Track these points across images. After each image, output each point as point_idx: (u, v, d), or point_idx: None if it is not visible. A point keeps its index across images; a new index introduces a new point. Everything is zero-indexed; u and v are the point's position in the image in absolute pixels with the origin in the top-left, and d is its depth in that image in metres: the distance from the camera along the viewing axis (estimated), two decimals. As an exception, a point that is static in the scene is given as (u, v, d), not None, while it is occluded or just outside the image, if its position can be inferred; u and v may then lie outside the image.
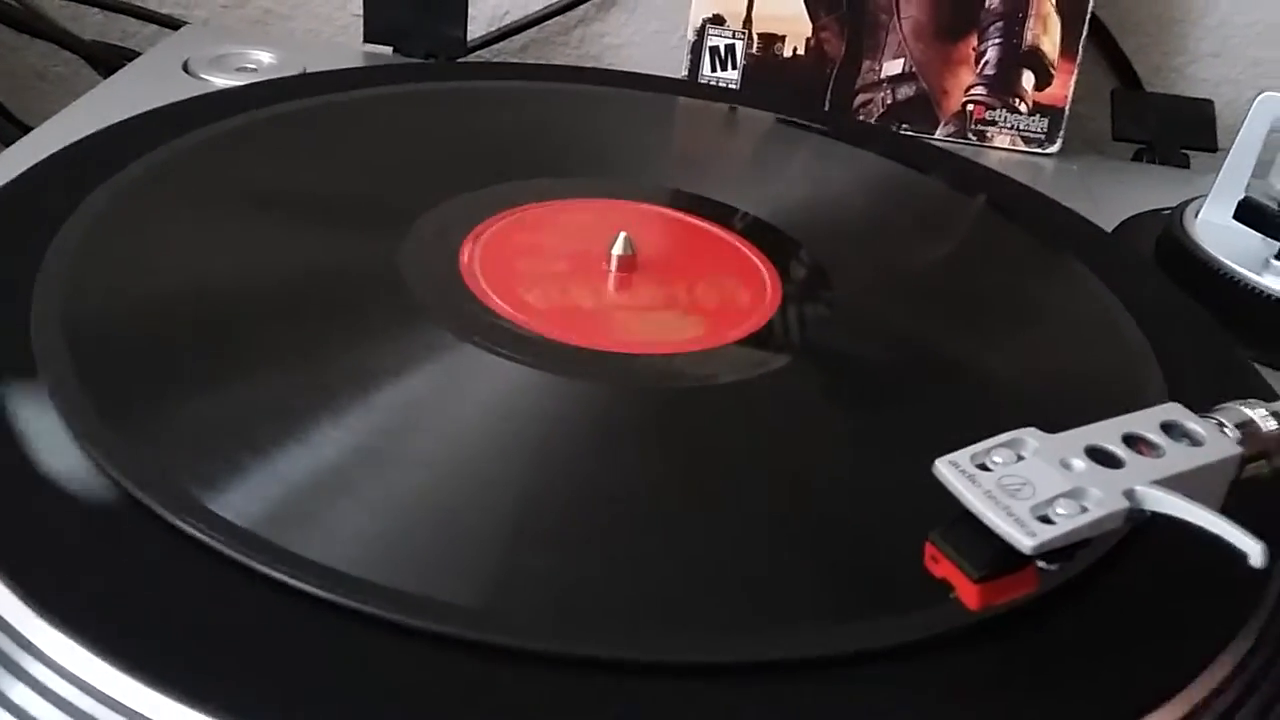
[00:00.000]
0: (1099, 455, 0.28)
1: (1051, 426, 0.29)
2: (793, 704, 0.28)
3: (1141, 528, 0.28)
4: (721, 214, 0.45)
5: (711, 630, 0.29)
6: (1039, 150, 0.61)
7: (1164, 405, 0.30)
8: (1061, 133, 0.61)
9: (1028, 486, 0.27)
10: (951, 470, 0.27)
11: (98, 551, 0.29)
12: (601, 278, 0.41)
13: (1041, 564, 0.27)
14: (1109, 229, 0.52)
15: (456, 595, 0.29)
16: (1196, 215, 0.51)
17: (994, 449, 0.28)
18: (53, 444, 0.31)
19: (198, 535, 0.29)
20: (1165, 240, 0.51)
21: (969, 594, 0.27)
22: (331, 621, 0.28)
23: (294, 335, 0.36)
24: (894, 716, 0.28)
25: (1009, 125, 0.61)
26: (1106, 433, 0.29)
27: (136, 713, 0.26)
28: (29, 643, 0.27)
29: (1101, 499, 0.27)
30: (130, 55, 0.64)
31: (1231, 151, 0.50)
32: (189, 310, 0.37)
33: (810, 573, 0.31)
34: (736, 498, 0.33)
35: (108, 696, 0.26)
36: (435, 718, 0.26)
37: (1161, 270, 0.49)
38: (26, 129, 0.58)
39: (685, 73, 0.62)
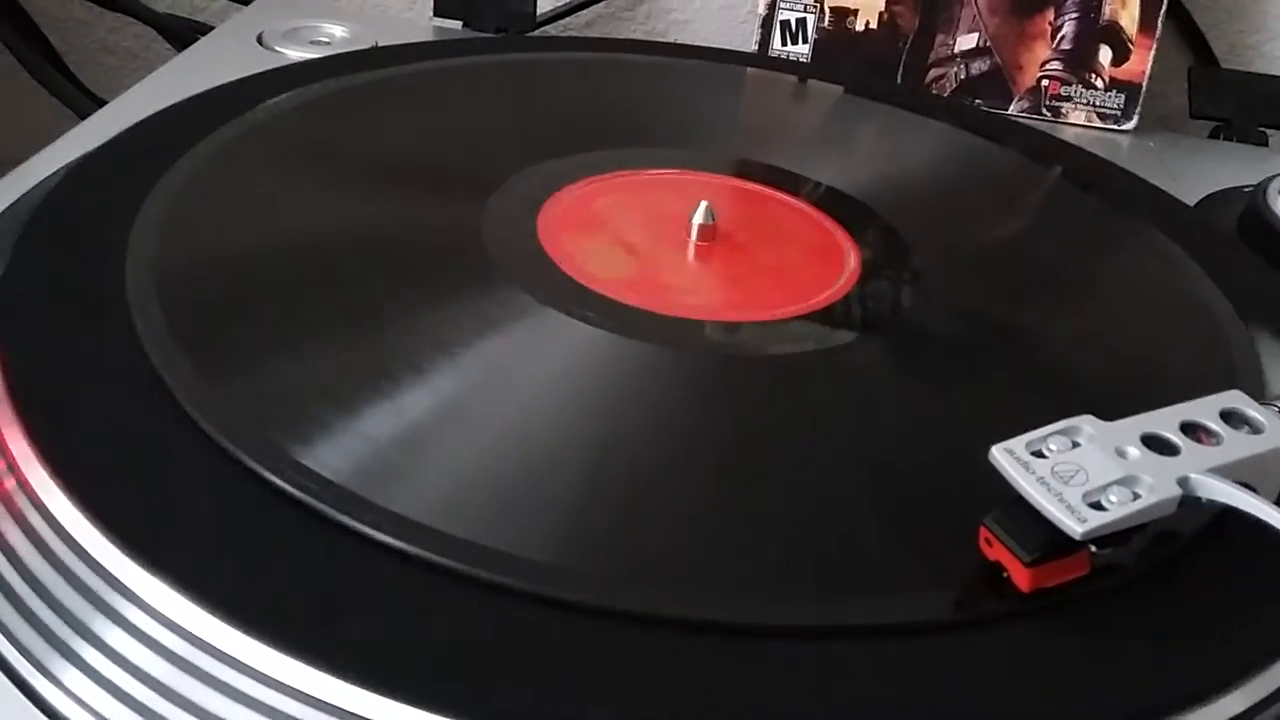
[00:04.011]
0: (1155, 443, 0.29)
1: (1141, 405, 0.29)
2: (854, 669, 0.28)
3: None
4: (798, 185, 0.45)
5: (771, 592, 0.29)
6: (1115, 127, 0.60)
7: (1225, 393, 0.30)
8: (1138, 109, 0.60)
9: (1081, 473, 0.27)
10: (1006, 457, 0.28)
11: (191, 502, 0.30)
12: (682, 246, 0.41)
13: (1094, 549, 0.27)
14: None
15: (533, 551, 0.29)
16: (1280, 192, 0.50)
17: (1050, 436, 0.29)
18: (147, 398, 0.32)
19: (287, 489, 0.30)
20: (1249, 216, 0.50)
21: (1021, 576, 0.28)
22: (414, 573, 0.28)
23: (378, 298, 0.37)
24: (945, 685, 0.28)
25: (1084, 101, 0.60)
26: (1164, 420, 0.29)
27: (228, 655, 0.27)
28: (125, 588, 0.28)
29: (1154, 486, 0.27)
30: (201, 28, 0.65)
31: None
32: (276, 272, 0.38)
33: (881, 543, 0.31)
34: (809, 466, 0.33)
35: (200, 639, 0.27)
36: (510, 668, 0.27)
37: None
38: (99, 102, 0.59)
39: (755, 47, 0.61)
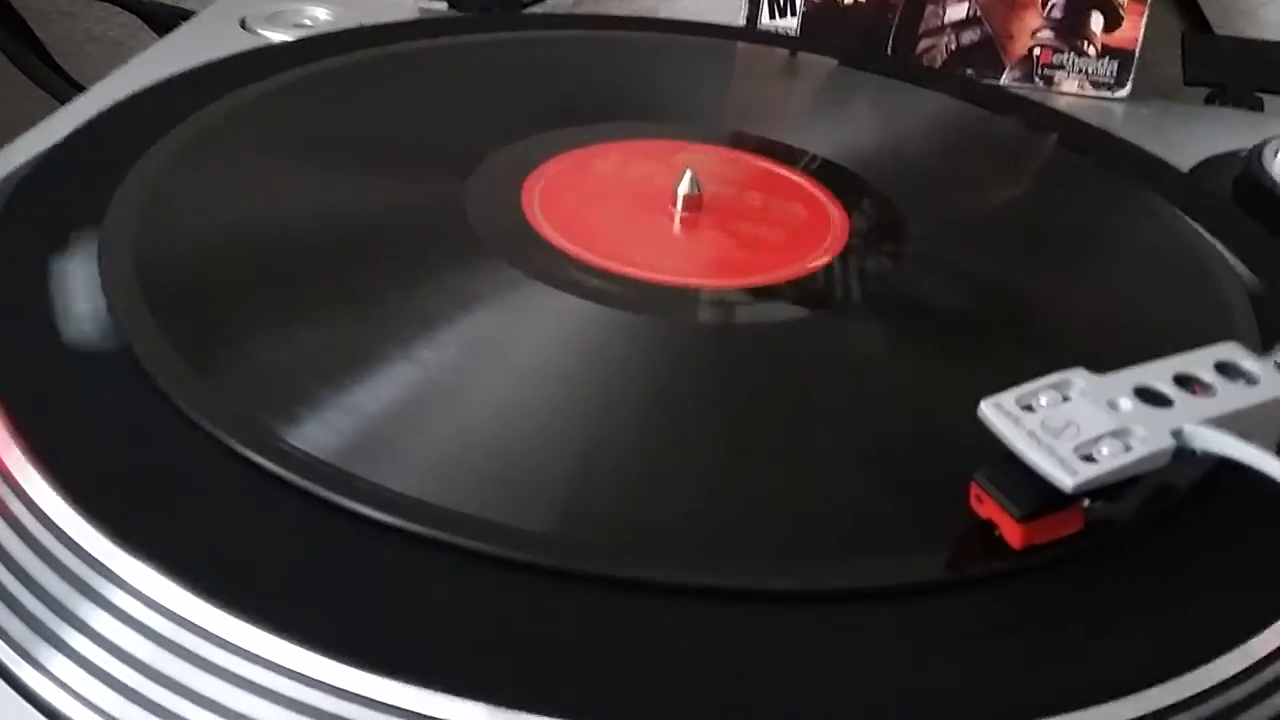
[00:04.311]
0: (1148, 395, 0.28)
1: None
2: (847, 632, 0.27)
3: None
4: (787, 155, 0.45)
5: (762, 557, 0.29)
6: (1108, 94, 0.60)
7: (1220, 344, 0.30)
8: (1132, 75, 0.59)
9: (1072, 427, 0.27)
10: (995, 412, 0.28)
11: (174, 482, 0.29)
12: (667, 217, 0.40)
13: (1086, 503, 0.27)
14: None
15: (528, 522, 0.29)
16: (1276, 155, 0.50)
17: (1040, 390, 0.28)
18: (127, 380, 0.32)
19: (273, 468, 0.29)
20: (1244, 180, 0.50)
21: (1012, 533, 0.27)
22: (404, 548, 0.28)
23: (363, 276, 0.37)
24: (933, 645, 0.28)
25: (1077, 69, 0.59)
26: (1157, 373, 0.29)
27: (216, 635, 0.26)
28: (109, 571, 0.27)
29: (1146, 438, 0.27)
30: (186, 15, 0.64)
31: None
32: (258, 253, 0.37)
33: (872, 504, 0.31)
34: (800, 431, 0.33)
35: (186, 620, 0.27)
36: (501, 639, 0.27)
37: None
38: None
39: (743, 21, 0.61)
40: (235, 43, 0.55)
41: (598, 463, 0.31)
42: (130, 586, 0.27)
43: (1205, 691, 0.27)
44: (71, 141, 0.41)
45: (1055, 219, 0.44)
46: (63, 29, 0.73)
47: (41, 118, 0.49)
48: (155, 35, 0.68)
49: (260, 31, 0.57)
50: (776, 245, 0.40)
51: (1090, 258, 0.42)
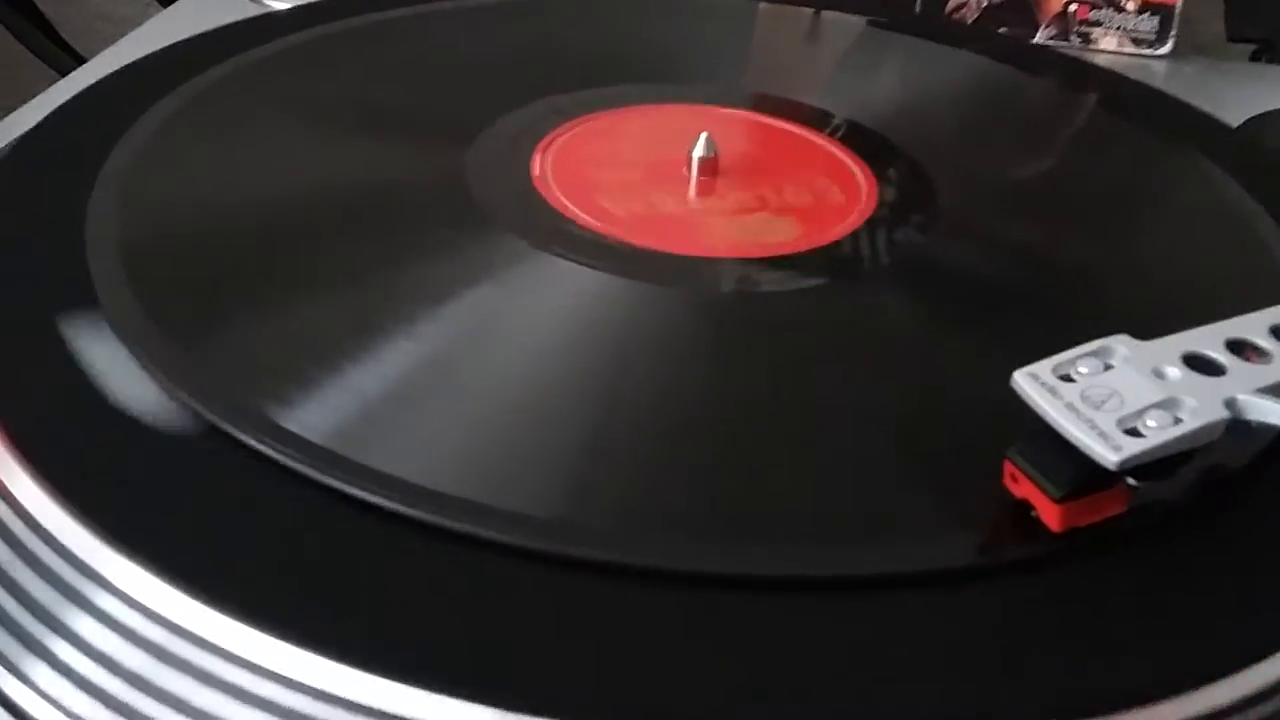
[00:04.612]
0: (1198, 363, 0.26)
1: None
2: (872, 621, 0.26)
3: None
4: (810, 117, 0.43)
5: (781, 541, 0.28)
6: (1149, 52, 0.57)
7: (1276, 307, 0.28)
8: (1173, 32, 0.57)
9: (1115, 397, 0.25)
10: (1031, 382, 0.26)
11: (167, 477, 0.28)
12: (681, 182, 0.39)
13: (1131, 481, 0.25)
14: (1230, 129, 0.49)
15: (533, 507, 0.28)
16: (1328, 111, 0.48)
17: (1079, 358, 0.26)
18: (115, 368, 0.30)
19: (270, 453, 0.28)
20: (1294, 137, 0.48)
21: (1050, 514, 0.26)
22: (412, 538, 0.27)
23: (364, 250, 0.36)
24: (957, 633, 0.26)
25: (1115, 26, 0.57)
26: (1208, 338, 0.27)
27: (209, 641, 0.25)
28: (97, 574, 0.26)
29: (1197, 409, 0.25)
30: (199, -10, 0.63)
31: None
32: (250, 228, 0.36)
33: (900, 485, 0.29)
34: (823, 406, 0.31)
35: (180, 626, 0.25)
36: (509, 629, 0.25)
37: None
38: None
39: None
40: (239, 12, 0.54)
41: (613, 444, 0.30)
42: (119, 589, 0.26)
43: (1262, 692, 0.25)
44: (60, 115, 0.40)
45: (1097, 180, 0.43)
46: (73, 7, 0.72)
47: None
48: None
49: (265, 1, 0.55)
50: (800, 211, 0.38)
51: (1134, 218, 0.41)
